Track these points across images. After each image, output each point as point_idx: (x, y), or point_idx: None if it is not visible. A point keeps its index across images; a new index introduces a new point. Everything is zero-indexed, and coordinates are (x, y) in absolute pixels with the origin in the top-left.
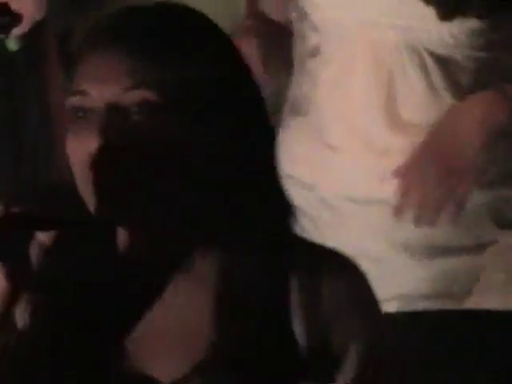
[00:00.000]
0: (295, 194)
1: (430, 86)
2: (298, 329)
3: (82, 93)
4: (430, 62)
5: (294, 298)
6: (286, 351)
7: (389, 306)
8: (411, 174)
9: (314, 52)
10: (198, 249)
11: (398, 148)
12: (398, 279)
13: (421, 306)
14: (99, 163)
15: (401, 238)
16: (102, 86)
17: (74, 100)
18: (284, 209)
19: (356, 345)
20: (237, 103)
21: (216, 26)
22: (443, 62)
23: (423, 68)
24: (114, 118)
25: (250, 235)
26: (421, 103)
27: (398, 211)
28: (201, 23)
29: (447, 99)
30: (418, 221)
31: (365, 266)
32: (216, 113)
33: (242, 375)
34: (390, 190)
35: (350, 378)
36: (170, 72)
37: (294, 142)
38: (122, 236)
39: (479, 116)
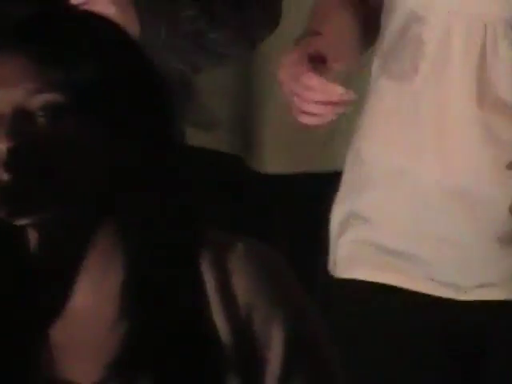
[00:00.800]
0: (375, 179)
1: None
2: (218, 318)
3: None
4: None
5: (209, 288)
6: (205, 340)
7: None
8: None
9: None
10: (108, 242)
11: (495, 130)
12: (494, 268)
13: None
14: (8, 166)
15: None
16: (7, 90)
17: None
18: (191, 194)
19: (278, 332)
20: (139, 99)
21: (115, 27)
22: None
23: None
24: (20, 121)
25: (156, 222)
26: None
27: None
28: (100, 25)
29: None
30: None
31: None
32: (119, 110)
33: (160, 371)
34: (491, 182)
35: (277, 366)
36: (73, 73)
37: (385, 119)
38: (31, 235)
39: None
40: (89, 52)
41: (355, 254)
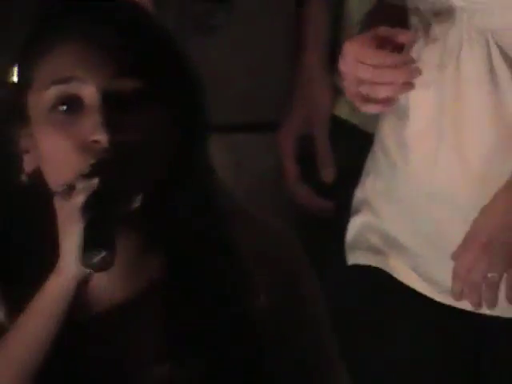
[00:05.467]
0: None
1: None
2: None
3: (69, 79)
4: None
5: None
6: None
7: None
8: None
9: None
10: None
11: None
12: None
13: None
14: (108, 157)
15: None
16: (94, 72)
17: (59, 88)
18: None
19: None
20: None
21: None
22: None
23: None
24: (111, 108)
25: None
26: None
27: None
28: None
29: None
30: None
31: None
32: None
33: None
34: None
35: None
36: (149, 58)
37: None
38: None
39: None
40: (151, 39)
41: (357, 239)
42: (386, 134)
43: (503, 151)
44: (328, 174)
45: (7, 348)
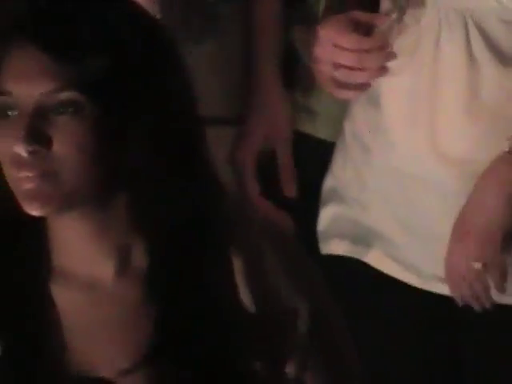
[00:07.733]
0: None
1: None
2: (245, 296)
3: (7, 93)
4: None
5: (238, 271)
6: (231, 322)
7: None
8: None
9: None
10: (128, 227)
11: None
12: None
13: None
14: (25, 166)
15: None
16: (28, 88)
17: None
18: (215, 187)
19: (304, 307)
20: (162, 94)
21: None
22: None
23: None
24: (39, 121)
25: (180, 216)
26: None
27: None
28: (121, 12)
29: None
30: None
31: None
32: (140, 105)
33: (190, 360)
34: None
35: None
36: (91, 71)
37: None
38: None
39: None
40: (107, 49)
41: (330, 229)
42: (358, 119)
43: (480, 138)
44: (290, 189)
45: None
